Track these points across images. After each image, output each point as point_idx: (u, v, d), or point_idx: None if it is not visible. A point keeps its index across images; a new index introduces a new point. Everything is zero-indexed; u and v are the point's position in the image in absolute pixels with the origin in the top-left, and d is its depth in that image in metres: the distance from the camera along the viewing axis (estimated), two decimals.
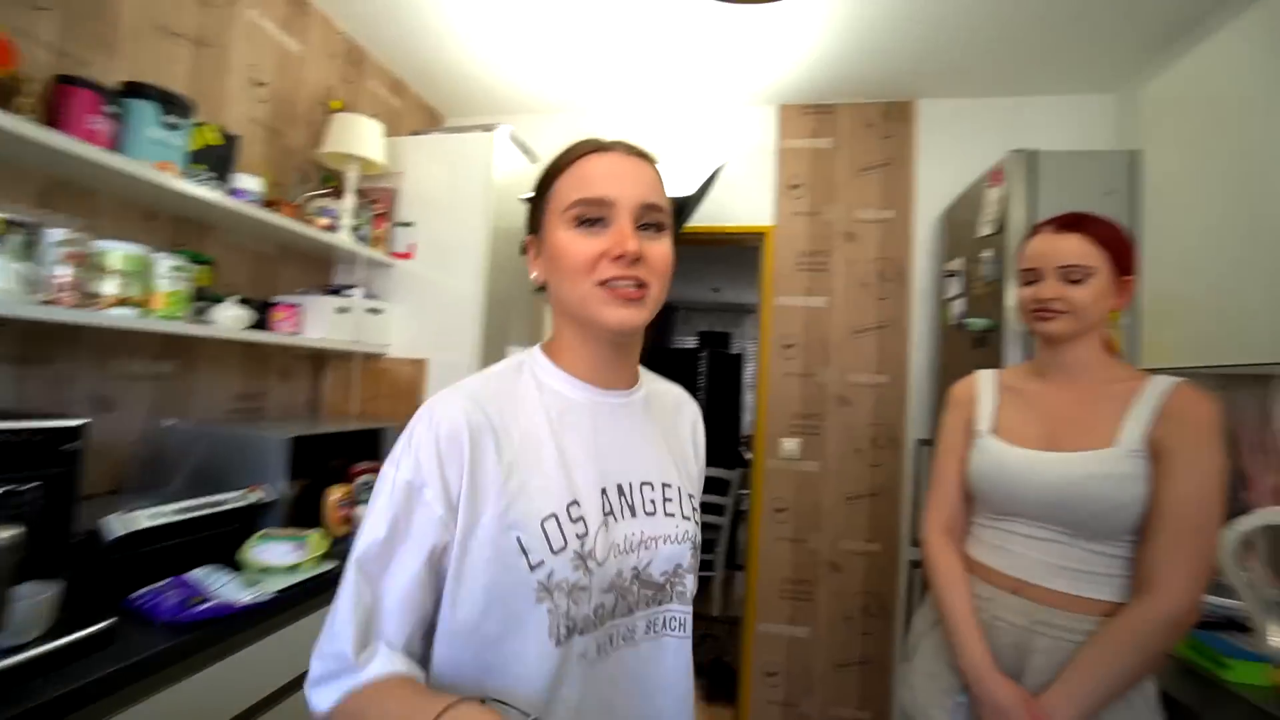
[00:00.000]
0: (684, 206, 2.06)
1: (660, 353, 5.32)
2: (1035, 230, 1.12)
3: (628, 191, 0.65)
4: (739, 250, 2.58)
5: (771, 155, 2.53)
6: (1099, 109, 2.26)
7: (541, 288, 0.72)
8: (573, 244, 0.65)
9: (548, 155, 0.73)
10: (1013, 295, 1.17)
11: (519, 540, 0.61)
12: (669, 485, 0.72)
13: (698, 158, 2.12)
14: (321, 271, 2.12)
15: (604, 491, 0.66)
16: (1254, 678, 1.06)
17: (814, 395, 2.44)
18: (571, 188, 0.66)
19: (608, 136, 0.70)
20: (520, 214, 2.01)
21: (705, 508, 3.50)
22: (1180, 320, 1.47)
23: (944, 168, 2.36)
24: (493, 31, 2.13)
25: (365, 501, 1.57)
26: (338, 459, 1.68)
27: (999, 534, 1.07)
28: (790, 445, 2.44)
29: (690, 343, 7.28)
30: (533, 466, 0.63)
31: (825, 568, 2.40)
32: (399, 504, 0.61)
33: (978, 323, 1.84)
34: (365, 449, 1.80)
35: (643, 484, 0.69)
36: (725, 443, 4.71)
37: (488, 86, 2.51)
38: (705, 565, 3.80)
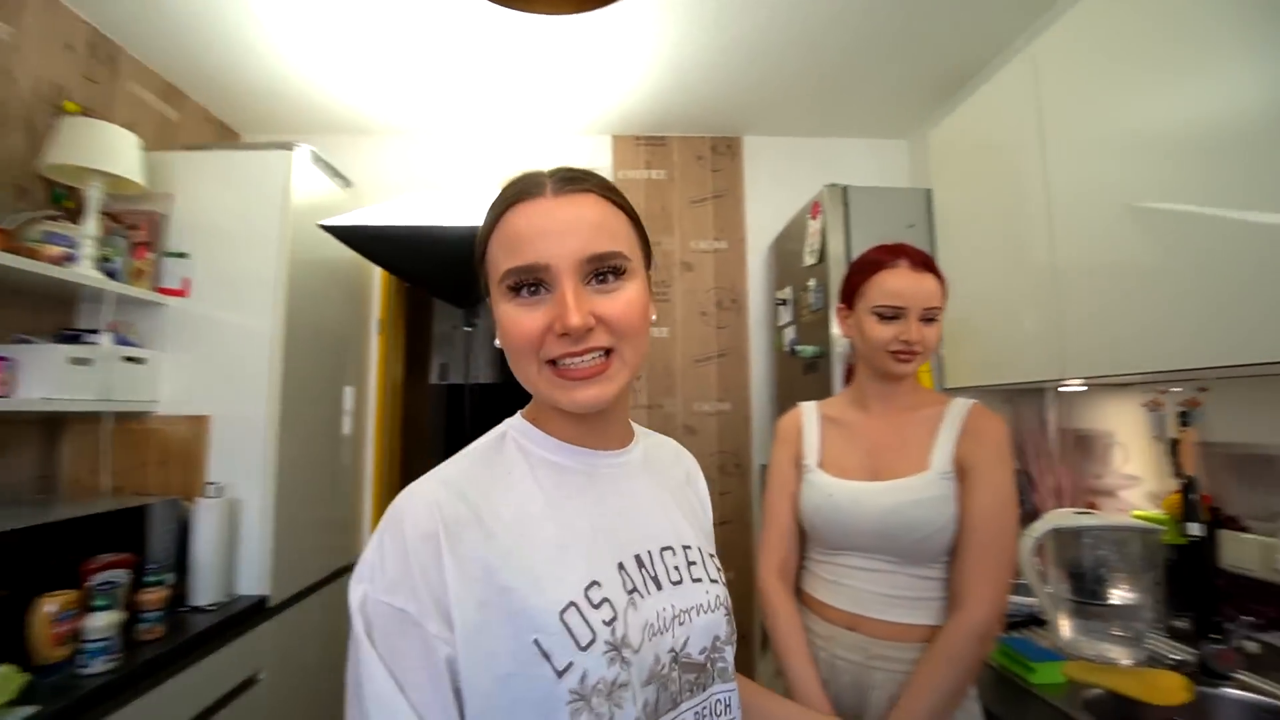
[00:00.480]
0: None
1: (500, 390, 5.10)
2: (876, 263, 1.09)
3: (565, 247, 0.53)
4: None
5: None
6: (896, 151, 2.51)
7: None
8: (512, 320, 0.55)
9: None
10: (837, 324, 1.18)
11: (537, 644, 0.49)
12: (689, 548, 0.62)
13: None
14: (60, 313, 1.69)
15: (622, 566, 0.56)
16: (1054, 677, 1.14)
17: (660, 426, 2.41)
18: (501, 253, 0.55)
19: (538, 165, 0.58)
20: (327, 243, 1.77)
21: None
22: (973, 343, 1.62)
23: (770, 200, 2.48)
24: (300, 40, 1.87)
25: (104, 607, 1.27)
26: (71, 554, 1.30)
27: (834, 569, 1.05)
28: None
29: None
30: (534, 552, 0.53)
31: None
32: (387, 628, 0.48)
33: (807, 350, 1.91)
34: (118, 536, 1.43)
35: (663, 550, 0.60)
36: None
37: (295, 102, 2.22)
38: None
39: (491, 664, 0.49)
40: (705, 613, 0.59)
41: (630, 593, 0.55)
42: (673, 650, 0.56)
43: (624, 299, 0.54)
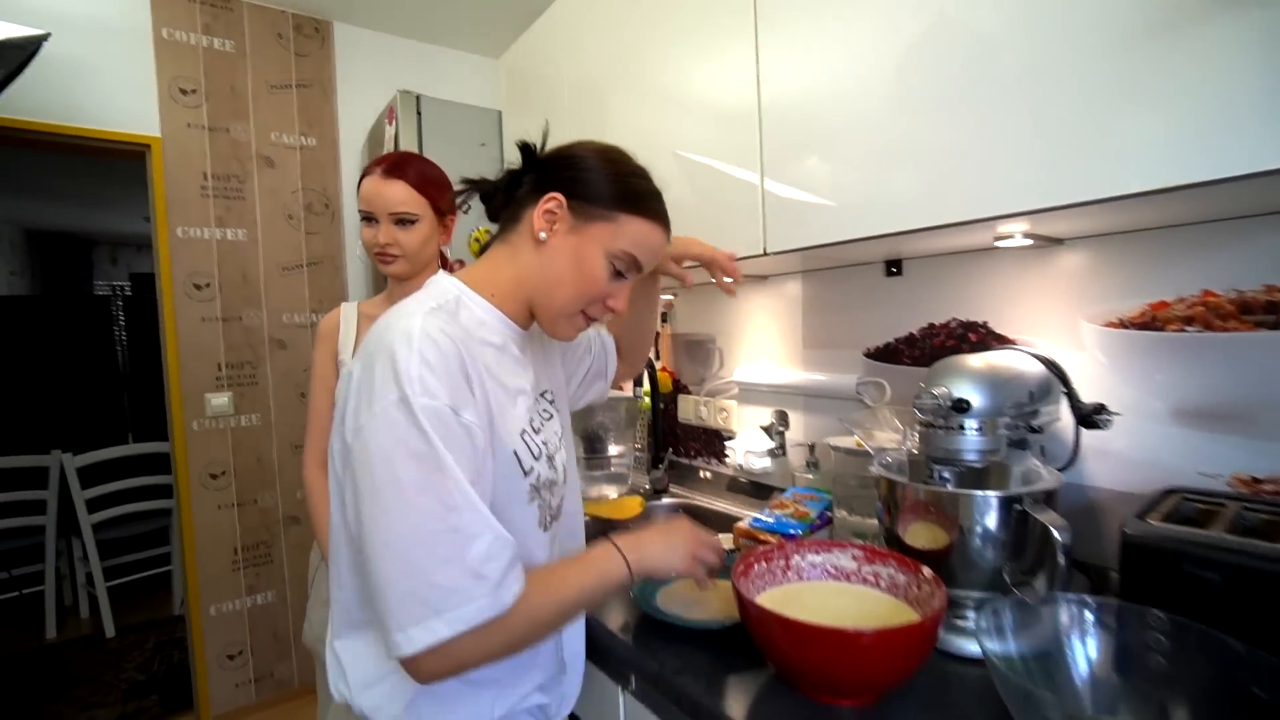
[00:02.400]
0: None
1: (75, 300, 3.85)
2: (367, 170, 1.18)
3: (653, 265, 0.76)
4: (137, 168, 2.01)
5: (146, 44, 2.00)
6: (490, 70, 2.60)
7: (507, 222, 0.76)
8: (601, 278, 0.71)
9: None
10: None
11: (515, 454, 0.68)
12: (547, 391, 0.82)
13: None
14: None
15: (536, 403, 0.76)
16: None
17: (242, 341, 2.18)
18: (637, 240, 0.72)
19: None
20: None
21: (140, 494, 2.81)
22: None
23: (366, 99, 2.34)
24: None
25: None
26: None
27: None
28: (220, 400, 2.13)
29: (123, 287, 5.57)
30: (499, 390, 0.68)
31: (285, 523, 2.26)
32: (450, 430, 0.58)
33: None
34: None
35: (543, 392, 0.80)
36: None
37: None
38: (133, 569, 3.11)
39: (493, 465, 0.64)
40: (561, 436, 0.81)
41: (545, 420, 0.76)
42: (558, 459, 0.77)
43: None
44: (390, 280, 1.23)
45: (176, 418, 2.08)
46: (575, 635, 0.87)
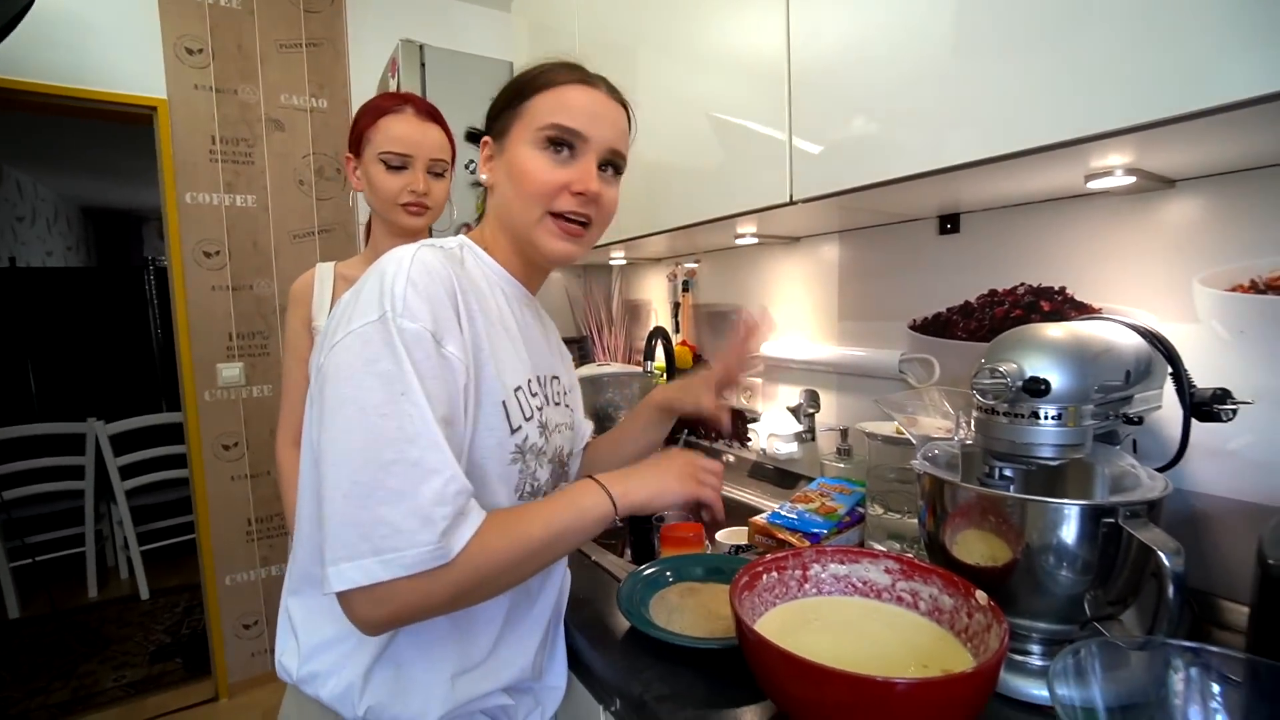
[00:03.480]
0: None
1: (113, 272, 3.92)
2: (381, 109, 1.04)
3: (603, 133, 0.66)
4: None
5: (150, 1, 1.92)
6: (504, 24, 2.43)
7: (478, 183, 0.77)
8: (538, 168, 0.65)
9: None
10: (348, 178, 1.08)
11: (504, 405, 0.62)
12: (558, 379, 0.76)
13: None
14: None
15: (536, 379, 0.69)
16: None
17: (253, 311, 2.11)
18: (550, 109, 0.65)
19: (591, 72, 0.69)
20: None
21: (167, 462, 2.83)
22: None
23: (379, 58, 2.22)
24: None
25: None
26: None
27: None
28: (231, 371, 2.08)
29: (155, 259, 5.71)
30: (500, 342, 0.64)
31: None
32: (427, 353, 0.54)
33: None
34: None
35: (551, 377, 0.74)
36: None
37: None
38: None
39: (478, 408, 0.59)
40: (568, 430, 0.77)
41: (544, 393, 0.71)
42: (558, 447, 0.73)
43: (613, 193, 0.70)
44: (378, 236, 1.11)
45: (189, 388, 2.04)
46: (558, 652, 0.78)
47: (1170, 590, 0.52)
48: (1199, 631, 0.73)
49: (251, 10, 2.07)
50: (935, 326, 1.08)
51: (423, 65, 1.65)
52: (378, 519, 0.49)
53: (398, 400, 0.51)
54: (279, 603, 0.67)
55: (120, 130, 3.13)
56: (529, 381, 0.67)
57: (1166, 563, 0.52)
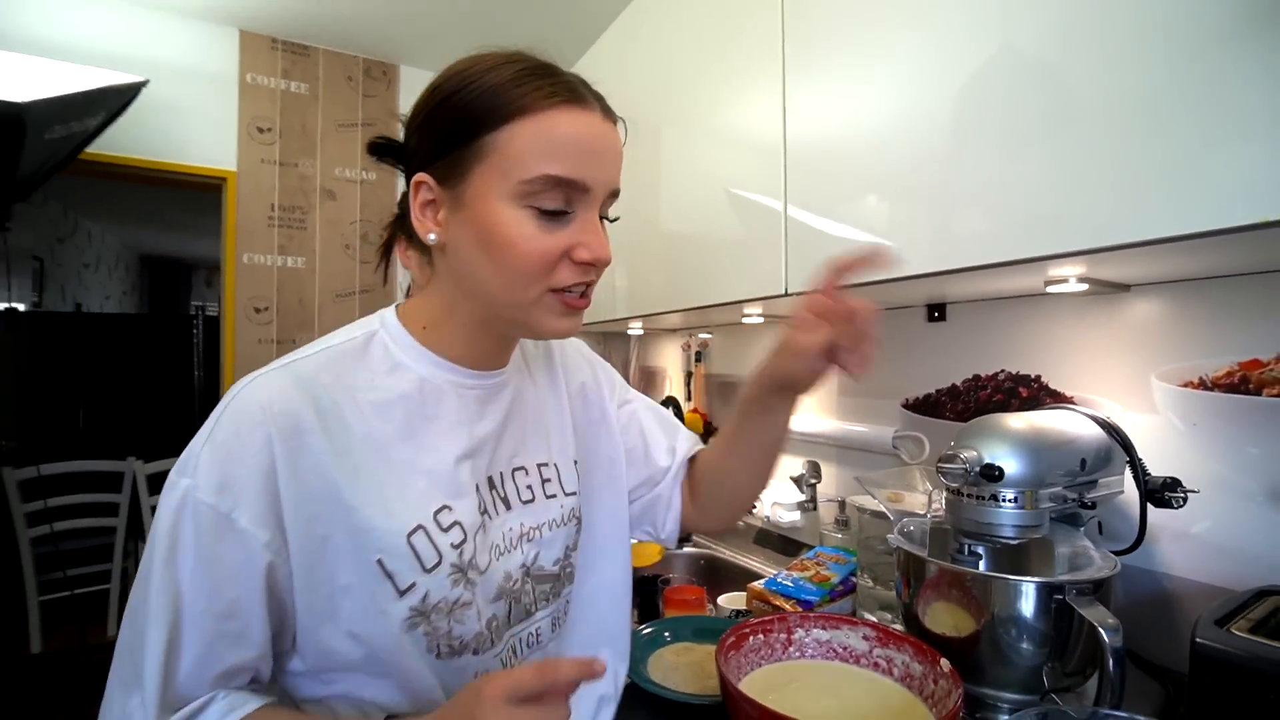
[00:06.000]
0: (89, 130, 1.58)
1: (163, 319, 4.20)
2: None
3: (605, 174, 0.50)
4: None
5: (232, 87, 2.18)
6: None
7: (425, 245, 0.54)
8: (527, 235, 0.48)
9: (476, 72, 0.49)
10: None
11: (381, 564, 0.49)
12: (544, 465, 0.62)
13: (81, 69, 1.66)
14: None
15: (477, 488, 0.55)
16: None
17: None
18: (535, 151, 0.47)
19: (567, 72, 0.52)
20: None
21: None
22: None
23: None
24: None
25: None
26: None
27: None
28: None
29: (204, 308, 6.03)
30: (386, 472, 0.50)
31: None
32: (202, 532, 0.45)
33: None
34: None
35: (515, 470, 0.60)
36: None
37: None
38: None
39: (330, 576, 0.48)
40: (556, 527, 0.62)
41: (483, 514, 0.55)
42: (524, 565, 0.58)
43: (607, 240, 0.52)
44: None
45: None
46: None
47: (1110, 663, 0.57)
48: (1172, 709, 0.76)
49: (317, 95, 2.31)
50: (925, 406, 1.16)
51: None
52: (107, 700, 0.47)
53: (165, 570, 0.45)
54: None
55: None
56: (437, 513, 0.51)
57: (1105, 638, 0.57)
